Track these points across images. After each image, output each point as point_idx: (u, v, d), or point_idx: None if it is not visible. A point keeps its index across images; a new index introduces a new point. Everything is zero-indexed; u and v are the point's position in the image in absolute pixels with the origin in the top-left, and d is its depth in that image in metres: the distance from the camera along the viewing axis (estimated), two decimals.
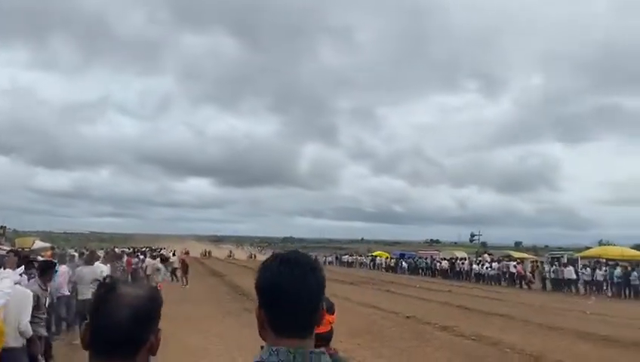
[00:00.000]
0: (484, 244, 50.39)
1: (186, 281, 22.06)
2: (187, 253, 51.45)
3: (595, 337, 10.78)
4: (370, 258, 52.72)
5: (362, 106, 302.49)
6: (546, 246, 77.53)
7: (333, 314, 1.90)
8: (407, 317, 13.20)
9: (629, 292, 22.94)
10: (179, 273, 22.85)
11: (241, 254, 70.18)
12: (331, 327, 1.91)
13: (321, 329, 1.70)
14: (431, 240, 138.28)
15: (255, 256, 63.41)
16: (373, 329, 11.03)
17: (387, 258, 50.60)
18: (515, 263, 31.15)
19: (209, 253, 64.75)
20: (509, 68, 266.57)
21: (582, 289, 25.32)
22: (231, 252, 69.39)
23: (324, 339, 1.80)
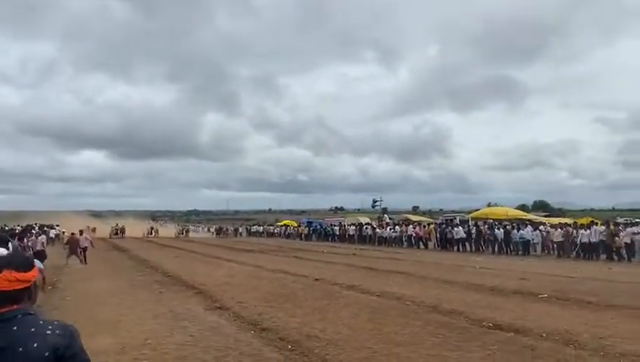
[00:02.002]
0: (384, 210, 52.74)
1: (84, 260, 19.37)
2: (94, 229, 47.48)
3: (483, 288, 12.01)
4: (283, 227, 53.19)
5: (264, 75, 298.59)
6: (441, 209, 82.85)
7: (28, 271, 1.72)
8: (316, 279, 13.79)
9: (511, 249, 25.40)
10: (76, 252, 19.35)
11: (165, 231, 58.04)
12: (26, 286, 1.71)
13: (5, 287, 1.66)
14: (336, 207, 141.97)
15: (187, 233, 57.70)
16: (285, 292, 11.44)
17: (297, 226, 51.54)
18: (412, 226, 33.26)
19: (121, 230, 51.68)
20: (407, 39, 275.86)
21: (471, 247, 27.57)
22: (152, 229, 56.23)
23: (10, 298, 1.67)
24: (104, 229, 51.04)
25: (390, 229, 34.50)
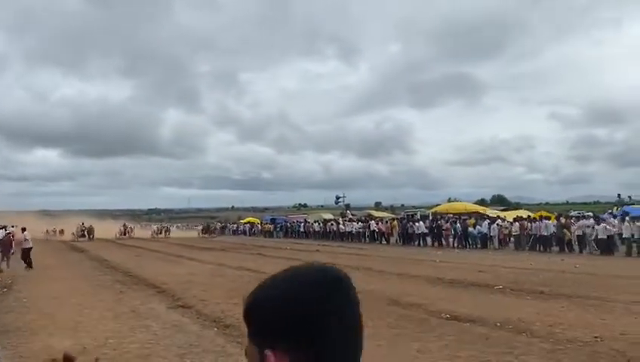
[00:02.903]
0: (347, 206, 53.19)
1: (29, 264, 16.85)
2: (61, 231, 45.28)
3: (443, 281, 12.36)
4: (248, 225, 52.56)
5: (225, 70, 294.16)
6: (402, 205, 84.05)
7: None
8: None
9: (470, 243, 26.11)
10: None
11: (140, 232, 50.40)
12: None
13: None
14: (299, 204, 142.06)
15: (167, 232, 48.91)
16: (248, 289, 11.38)
17: (260, 223, 51.35)
18: (374, 221, 33.80)
19: (89, 230, 41.43)
20: (368, 36, 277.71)
21: (432, 242, 28.18)
22: (126, 227, 48.36)
23: None
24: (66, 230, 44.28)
25: (354, 225, 34.94)
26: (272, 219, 53.07)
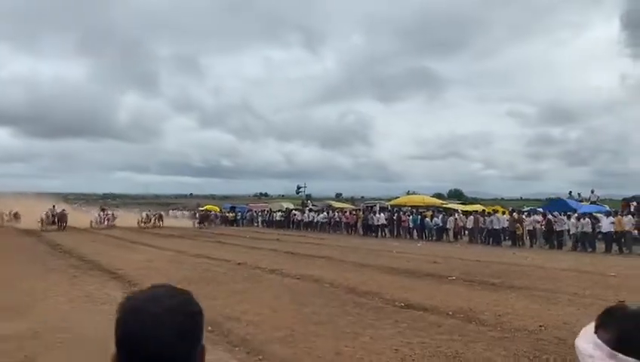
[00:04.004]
0: (308, 196, 53.35)
1: None
2: (16, 215, 34.48)
3: (398, 271, 12.66)
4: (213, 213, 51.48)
5: (185, 54, 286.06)
6: (362, 197, 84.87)
7: None
8: (239, 263, 13.89)
9: (427, 234, 26.74)
10: None
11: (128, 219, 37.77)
12: None
13: None
14: (260, 193, 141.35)
15: (159, 220, 37.76)
16: (206, 276, 11.46)
17: (219, 211, 50.83)
18: (342, 212, 34.24)
19: (59, 217, 31.92)
20: (333, 26, 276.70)
21: (391, 233, 28.69)
22: (106, 215, 37.03)
23: None
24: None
25: (318, 215, 35.21)
26: (232, 208, 52.68)
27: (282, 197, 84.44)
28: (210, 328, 6.56)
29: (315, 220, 34.87)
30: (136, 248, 19.17)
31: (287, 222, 37.91)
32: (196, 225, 39.47)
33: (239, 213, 47.13)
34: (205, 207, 56.65)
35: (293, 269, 12.53)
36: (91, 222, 34.42)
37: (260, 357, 5.33)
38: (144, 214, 38.74)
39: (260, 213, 44.34)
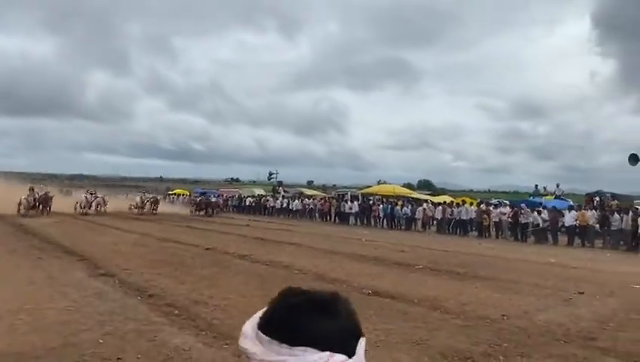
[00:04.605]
0: (280, 183, 53.17)
1: None
2: None
3: (367, 258, 12.80)
4: (174, 196, 51.00)
5: (157, 34, 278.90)
6: (334, 185, 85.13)
7: None
8: (207, 248, 13.80)
9: (396, 223, 27.09)
10: None
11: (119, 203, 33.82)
12: None
13: None
14: (231, 178, 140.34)
15: (154, 205, 32.94)
16: (174, 260, 11.36)
17: (189, 195, 50.30)
18: (313, 199, 34.36)
19: (42, 200, 27.27)
20: (308, 12, 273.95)
21: (362, 221, 28.95)
22: (93, 195, 31.00)
23: None
24: None
25: (293, 201, 35.22)
26: (202, 192, 52.21)
27: (254, 183, 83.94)
28: (177, 312, 6.54)
29: (287, 206, 34.88)
30: (104, 230, 18.85)
31: (259, 207, 37.82)
32: (195, 212, 33.98)
33: (210, 196, 46.67)
34: (175, 191, 56.04)
35: (262, 255, 12.52)
36: (75, 206, 28.94)
37: (227, 341, 5.33)
38: (137, 198, 33.60)
39: (230, 198, 44.08)
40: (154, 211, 32.38)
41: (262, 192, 45.10)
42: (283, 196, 38.79)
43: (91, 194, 31.35)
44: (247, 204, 40.13)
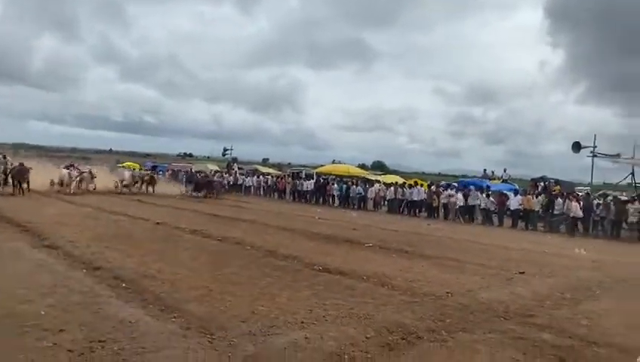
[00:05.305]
0: (235, 159, 52.60)
1: None
2: None
3: (319, 236, 12.93)
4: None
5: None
6: (290, 163, 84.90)
7: None
8: (157, 223, 13.57)
9: (349, 203, 27.39)
10: None
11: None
12: None
13: None
14: (184, 153, 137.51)
15: (150, 185, 27.12)
16: (122, 233, 11.14)
17: (140, 168, 49.02)
18: (272, 177, 34.18)
19: (17, 173, 20.84)
20: None
21: (316, 200, 29.09)
22: (76, 169, 24.88)
23: None
24: None
25: (252, 177, 34.83)
26: (153, 166, 50.98)
27: (207, 158, 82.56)
28: (124, 285, 6.43)
29: (243, 183, 34.53)
30: (50, 202, 18.20)
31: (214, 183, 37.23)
32: (190, 193, 28.45)
33: (160, 171, 45.55)
34: (124, 164, 54.48)
35: (215, 231, 12.43)
36: (53, 182, 23.80)
37: (175, 314, 5.30)
38: (127, 174, 27.59)
39: (184, 174, 43.21)
40: (151, 188, 26.98)
41: (216, 168, 44.43)
42: (237, 173, 38.34)
43: (75, 167, 25.24)
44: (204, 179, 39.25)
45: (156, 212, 16.70)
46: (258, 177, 34.92)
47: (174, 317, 5.22)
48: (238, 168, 45.99)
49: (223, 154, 57.10)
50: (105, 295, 5.94)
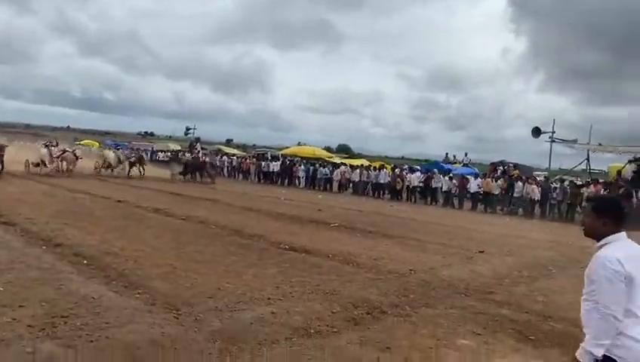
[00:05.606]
0: (198, 139, 51.80)
1: None
2: None
3: (284, 216, 12.94)
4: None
5: None
6: (254, 144, 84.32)
7: None
8: (119, 201, 13.31)
9: (315, 185, 27.48)
10: None
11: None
12: None
13: None
14: (145, 132, 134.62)
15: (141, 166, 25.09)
16: (82, 211, 10.88)
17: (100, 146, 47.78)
18: (237, 158, 33.87)
19: None
20: None
21: (282, 181, 29.05)
22: (56, 147, 22.82)
23: None
24: None
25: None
26: (115, 145, 49.74)
27: (169, 138, 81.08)
28: (85, 262, 6.30)
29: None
30: (9, 180, 17.54)
31: (177, 162, 36.63)
32: (178, 176, 25.65)
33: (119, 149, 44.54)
34: (84, 142, 52.92)
35: (178, 210, 12.27)
36: (27, 163, 21.89)
37: (139, 291, 5.24)
38: (111, 154, 25.49)
39: (144, 152, 42.34)
40: (142, 172, 24.89)
41: (178, 147, 43.67)
42: (200, 152, 37.81)
43: (54, 146, 22.92)
44: (161, 158, 38.67)
45: (117, 190, 16.35)
46: (221, 158, 34.51)
47: (138, 294, 5.16)
48: (202, 148, 45.42)
49: (186, 134, 56.09)
50: (66, 271, 5.80)
